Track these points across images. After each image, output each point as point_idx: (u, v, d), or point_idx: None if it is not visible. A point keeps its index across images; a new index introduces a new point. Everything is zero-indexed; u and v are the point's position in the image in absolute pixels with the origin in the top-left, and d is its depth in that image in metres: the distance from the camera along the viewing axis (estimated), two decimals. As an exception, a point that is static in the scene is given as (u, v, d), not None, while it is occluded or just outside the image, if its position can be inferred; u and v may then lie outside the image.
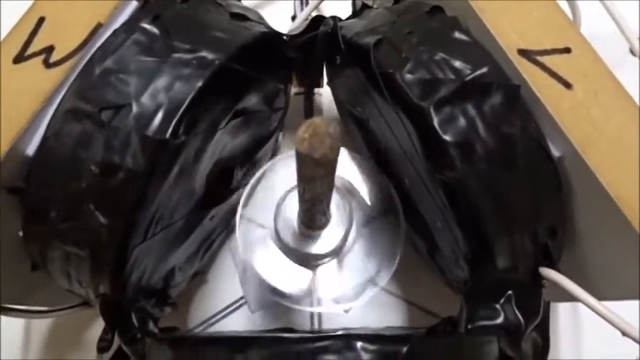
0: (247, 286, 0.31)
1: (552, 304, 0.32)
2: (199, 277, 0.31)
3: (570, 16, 0.28)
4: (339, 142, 0.15)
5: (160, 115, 0.18)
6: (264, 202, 0.26)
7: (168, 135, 0.18)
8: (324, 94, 0.35)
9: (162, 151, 0.18)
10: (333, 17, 0.24)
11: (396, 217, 0.27)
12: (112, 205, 0.19)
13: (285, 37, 0.24)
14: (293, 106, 0.35)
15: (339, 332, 0.16)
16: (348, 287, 0.27)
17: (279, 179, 0.30)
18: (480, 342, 0.19)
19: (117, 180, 0.18)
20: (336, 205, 0.24)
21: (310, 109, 0.35)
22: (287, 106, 0.29)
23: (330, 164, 0.15)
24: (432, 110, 0.19)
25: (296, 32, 0.25)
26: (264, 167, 0.27)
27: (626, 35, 0.24)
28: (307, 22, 0.25)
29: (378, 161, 0.27)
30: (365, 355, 0.16)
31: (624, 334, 0.19)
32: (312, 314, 0.32)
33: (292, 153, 0.27)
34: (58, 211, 0.19)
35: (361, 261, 0.27)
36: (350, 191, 0.26)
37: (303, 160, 0.15)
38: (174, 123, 0.18)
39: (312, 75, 0.28)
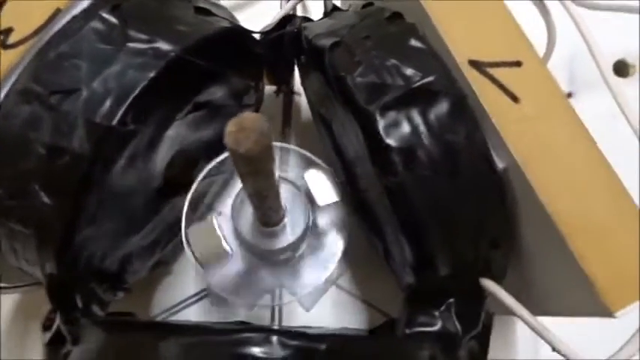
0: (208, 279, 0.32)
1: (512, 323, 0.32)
2: (163, 267, 0.32)
3: (545, 32, 0.28)
4: (266, 137, 0.15)
5: (108, 102, 0.19)
6: (219, 195, 0.26)
7: (115, 122, 0.19)
8: (304, 93, 0.35)
9: (108, 138, 0.19)
10: (301, 17, 0.25)
11: (349, 217, 0.27)
12: (57, 187, 0.19)
13: (254, 35, 0.25)
14: (272, 104, 0.35)
15: (262, 326, 0.17)
16: (308, 285, 0.27)
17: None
18: (412, 346, 0.19)
19: (63, 162, 0.19)
20: (291, 202, 0.25)
21: (289, 108, 0.35)
22: (259, 102, 0.30)
23: (257, 159, 0.15)
24: (377, 114, 0.19)
25: (266, 30, 0.25)
26: (218, 159, 0.26)
27: (596, 59, 0.24)
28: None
29: (342, 164, 0.27)
30: (282, 350, 0.16)
31: (554, 349, 0.19)
32: (272, 311, 0.32)
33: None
34: (4, 188, 0.19)
35: (319, 259, 0.27)
36: (307, 190, 0.26)
37: (232, 156, 0.15)
38: (122, 110, 0.19)
39: (281, 73, 0.28)
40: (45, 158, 0.19)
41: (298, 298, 0.28)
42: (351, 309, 0.32)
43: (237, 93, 0.26)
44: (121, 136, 0.19)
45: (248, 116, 0.15)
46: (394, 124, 0.19)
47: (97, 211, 0.21)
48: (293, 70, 0.28)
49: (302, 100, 0.36)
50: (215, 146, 0.28)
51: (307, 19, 0.25)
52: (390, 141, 0.19)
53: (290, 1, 0.28)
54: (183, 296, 0.32)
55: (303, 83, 0.29)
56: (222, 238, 0.23)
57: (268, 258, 0.27)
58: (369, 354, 0.18)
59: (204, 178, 0.28)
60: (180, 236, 0.31)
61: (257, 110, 0.30)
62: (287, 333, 0.16)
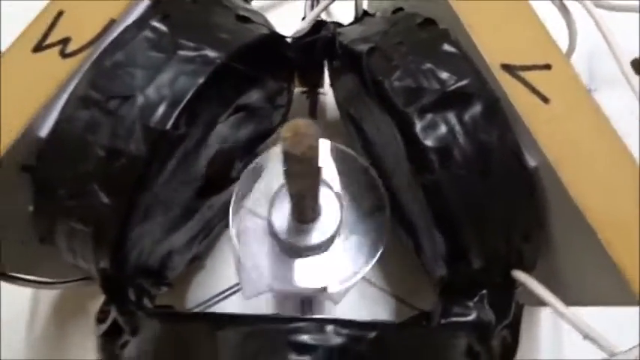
0: (242, 274, 0.33)
1: (534, 315, 0.33)
2: (197, 262, 0.33)
3: (566, 31, 0.29)
4: (317, 141, 0.16)
5: (162, 107, 0.20)
6: (260, 193, 0.27)
7: (169, 126, 0.20)
8: (329, 93, 0.36)
9: (162, 141, 0.20)
10: (334, 23, 0.26)
11: (383, 214, 0.28)
12: (114, 187, 0.20)
13: (287, 40, 0.26)
14: (298, 104, 0.36)
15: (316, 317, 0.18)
16: (338, 279, 0.28)
17: (275, 170, 0.31)
18: (449, 335, 0.20)
19: (120, 164, 0.20)
20: (326, 199, 0.26)
21: (314, 107, 0.36)
22: (289, 103, 0.31)
23: (310, 161, 0.17)
24: (415, 117, 0.20)
25: (298, 35, 0.26)
26: (259, 158, 0.28)
27: (615, 54, 0.25)
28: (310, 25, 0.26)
29: (371, 161, 0.28)
30: (335, 338, 0.17)
31: (586, 336, 0.20)
32: (302, 305, 0.33)
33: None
34: (65, 189, 0.21)
35: (351, 255, 0.29)
36: (341, 187, 0.27)
37: (286, 158, 0.17)
38: (175, 115, 0.20)
39: (313, 76, 0.30)
40: (104, 160, 0.20)
41: (328, 292, 0.29)
42: (379, 302, 0.33)
43: (272, 95, 0.27)
44: (173, 139, 0.20)
45: (301, 122, 0.16)
46: (431, 126, 0.20)
47: (148, 210, 0.22)
48: (323, 72, 0.30)
49: (326, 99, 0.37)
50: (249, 146, 0.30)
51: (339, 25, 0.26)
52: (428, 142, 0.20)
53: (319, 6, 0.29)
54: (215, 290, 0.34)
55: (332, 85, 0.30)
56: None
57: (301, 253, 0.28)
58: (414, 342, 0.19)
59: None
60: (215, 232, 0.33)
61: (288, 110, 0.31)
62: (338, 322, 0.18)
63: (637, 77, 0.26)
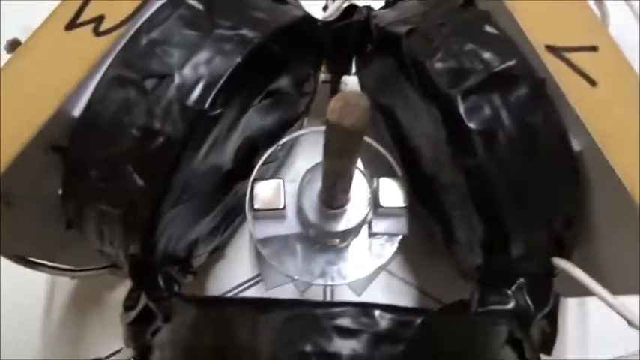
0: (263, 265, 0.32)
1: (561, 304, 0.33)
2: (219, 251, 0.32)
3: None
4: (367, 114, 0.15)
5: (200, 87, 0.19)
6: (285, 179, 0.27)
7: (206, 106, 0.19)
8: (350, 83, 0.36)
9: (200, 121, 0.19)
10: (367, 7, 0.25)
11: (411, 208, 0.27)
12: (149, 168, 0.20)
13: (319, 23, 0.25)
14: (319, 93, 0.36)
15: (354, 302, 0.17)
16: (362, 269, 0.28)
17: (298, 157, 0.31)
18: (491, 322, 0.20)
19: (156, 145, 0.19)
20: (356, 186, 0.25)
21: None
22: (314, 92, 0.30)
23: (358, 134, 0.16)
24: (458, 98, 0.19)
25: (330, 19, 0.26)
26: (278, 143, 0.27)
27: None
28: (341, 10, 0.26)
29: (401, 149, 0.28)
30: (382, 322, 0.17)
31: (630, 324, 0.20)
32: (324, 296, 0.33)
33: (316, 129, 0.27)
34: (98, 170, 0.20)
35: (377, 245, 0.28)
36: (371, 175, 0.27)
37: (332, 130, 0.16)
38: (212, 95, 0.19)
39: (342, 62, 0.29)
40: (139, 141, 0.19)
41: (350, 283, 0.28)
42: (401, 294, 0.33)
43: (300, 81, 0.27)
44: (210, 119, 0.20)
45: (351, 93, 0.16)
46: (475, 108, 0.19)
47: (181, 195, 0.22)
48: (352, 59, 0.29)
49: (348, 89, 0.36)
50: (273, 134, 0.29)
51: (371, 9, 0.26)
52: (472, 124, 0.19)
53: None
54: (237, 280, 0.33)
55: (359, 72, 0.30)
56: (282, 193, 0.24)
57: (326, 241, 0.28)
58: (459, 328, 0.18)
59: (264, 164, 0.29)
60: (237, 222, 0.32)
61: (312, 99, 0.31)
62: (383, 307, 0.17)
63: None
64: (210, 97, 0.19)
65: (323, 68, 0.30)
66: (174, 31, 0.20)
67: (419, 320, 0.17)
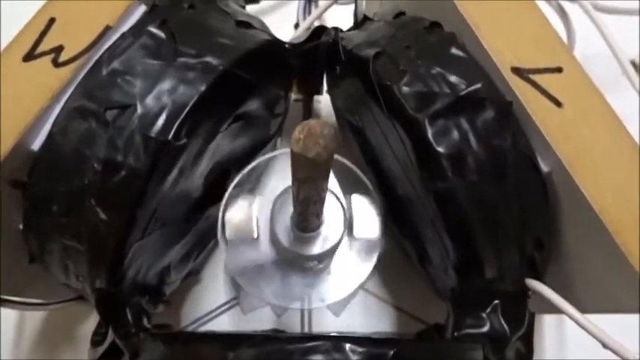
0: (239, 287, 0.32)
1: (538, 319, 0.33)
2: (193, 276, 0.32)
3: (565, 34, 0.29)
4: (333, 143, 0.15)
5: (163, 117, 0.19)
6: (256, 201, 0.26)
7: (170, 136, 0.19)
8: (323, 101, 0.36)
9: (164, 152, 0.19)
10: (335, 28, 0.25)
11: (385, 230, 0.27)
12: (112, 202, 0.19)
13: (287, 46, 0.25)
14: (292, 112, 0.35)
15: (330, 334, 0.17)
16: (339, 291, 0.28)
17: (272, 177, 0.30)
18: (466, 348, 0.20)
19: (118, 178, 0.19)
20: (329, 208, 0.25)
21: (308, 115, 0.36)
22: (286, 112, 0.30)
23: (324, 164, 0.16)
24: (426, 122, 0.19)
25: (298, 41, 0.25)
26: (250, 166, 0.27)
27: (618, 57, 0.25)
28: (309, 31, 0.26)
29: (373, 170, 0.27)
30: (353, 357, 0.16)
31: (605, 346, 0.20)
32: (302, 318, 0.32)
33: (276, 154, 0.27)
34: (59, 205, 0.19)
35: (352, 266, 0.28)
36: (343, 197, 0.27)
37: (297, 160, 0.16)
38: (176, 125, 0.19)
39: (313, 83, 0.29)
40: (101, 174, 0.19)
41: (327, 304, 0.28)
42: (380, 313, 0.33)
43: (271, 103, 0.27)
44: (175, 150, 0.19)
45: (315, 122, 0.15)
46: (444, 132, 0.19)
47: (147, 225, 0.21)
48: (322, 79, 0.29)
49: (321, 107, 0.36)
50: (245, 156, 0.29)
51: (339, 30, 0.26)
52: (440, 148, 0.19)
53: (317, 10, 0.29)
54: (212, 305, 0.32)
55: (330, 92, 0.29)
56: (254, 220, 0.24)
57: (301, 264, 0.27)
58: (432, 357, 0.18)
59: (236, 186, 0.28)
60: (211, 246, 0.32)
61: (284, 119, 0.30)
62: (353, 339, 0.17)
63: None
64: (174, 128, 0.19)
65: (294, 89, 0.30)
66: (136, 61, 0.20)
67: (391, 353, 0.16)
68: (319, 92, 0.30)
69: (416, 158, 0.20)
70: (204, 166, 0.24)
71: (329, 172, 0.18)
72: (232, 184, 0.26)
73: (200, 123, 0.20)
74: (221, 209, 0.25)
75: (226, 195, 0.26)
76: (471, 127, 0.19)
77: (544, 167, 0.20)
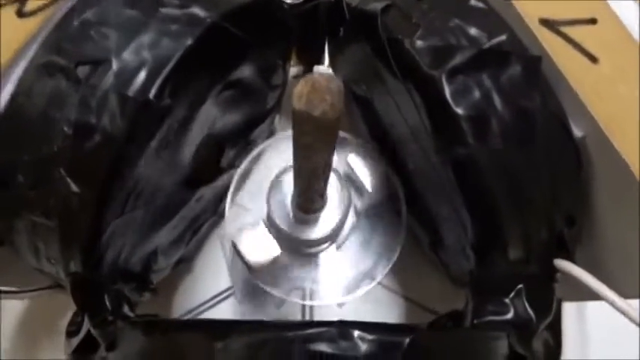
0: (235, 275, 0.30)
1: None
2: (184, 264, 0.29)
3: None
4: (341, 99, 0.13)
5: (143, 74, 0.17)
6: (256, 187, 0.24)
7: (151, 96, 0.17)
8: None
9: (143, 114, 0.17)
10: (337, -15, 0.23)
11: (397, 206, 0.25)
12: (85, 171, 0.17)
13: (285, 5, 0.23)
14: (290, 90, 0.33)
15: (335, 320, 0.15)
16: (343, 279, 0.26)
17: (273, 163, 0.28)
18: (489, 337, 0.17)
19: (92, 143, 0.16)
20: (333, 187, 0.23)
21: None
22: (285, 85, 0.28)
23: (331, 125, 0.13)
24: (443, 80, 0.17)
25: (298, 0, 0.23)
26: (258, 149, 0.25)
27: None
28: (309, -10, 0.23)
29: (381, 145, 0.25)
30: (362, 345, 0.14)
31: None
32: (303, 307, 0.30)
33: (288, 134, 0.25)
34: (25, 176, 0.17)
35: (358, 252, 0.26)
36: (348, 175, 0.25)
37: (300, 121, 0.13)
38: (158, 83, 0.17)
39: (313, 51, 0.26)
40: (71, 139, 0.17)
41: (332, 294, 0.26)
42: (386, 303, 0.30)
43: (266, 72, 0.24)
44: (157, 111, 0.17)
45: (320, 76, 0.13)
46: (463, 90, 0.17)
47: (127, 201, 0.19)
48: (324, 48, 0.26)
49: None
50: (241, 131, 0.26)
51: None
52: (459, 109, 0.17)
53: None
54: (205, 296, 0.30)
55: (333, 63, 0.27)
56: (275, 244, 0.22)
57: (302, 250, 0.25)
58: (452, 346, 0.16)
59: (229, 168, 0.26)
60: (204, 231, 0.29)
61: (283, 92, 0.28)
62: (362, 325, 0.14)
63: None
64: (156, 86, 0.17)
65: (293, 60, 0.28)
66: (112, 11, 0.17)
67: (407, 341, 0.14)
68: (320, 62, 0.28)
69: (431, 123, 0.18)
70: (193, 137, 0.21)
71: (336, 138, 0.16)
72: (235, 178, 0.25)
73: (186, 83, 0.18)
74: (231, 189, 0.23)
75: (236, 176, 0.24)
76: (494, 86, 0.17)
77: (577, 131, 0.18)
